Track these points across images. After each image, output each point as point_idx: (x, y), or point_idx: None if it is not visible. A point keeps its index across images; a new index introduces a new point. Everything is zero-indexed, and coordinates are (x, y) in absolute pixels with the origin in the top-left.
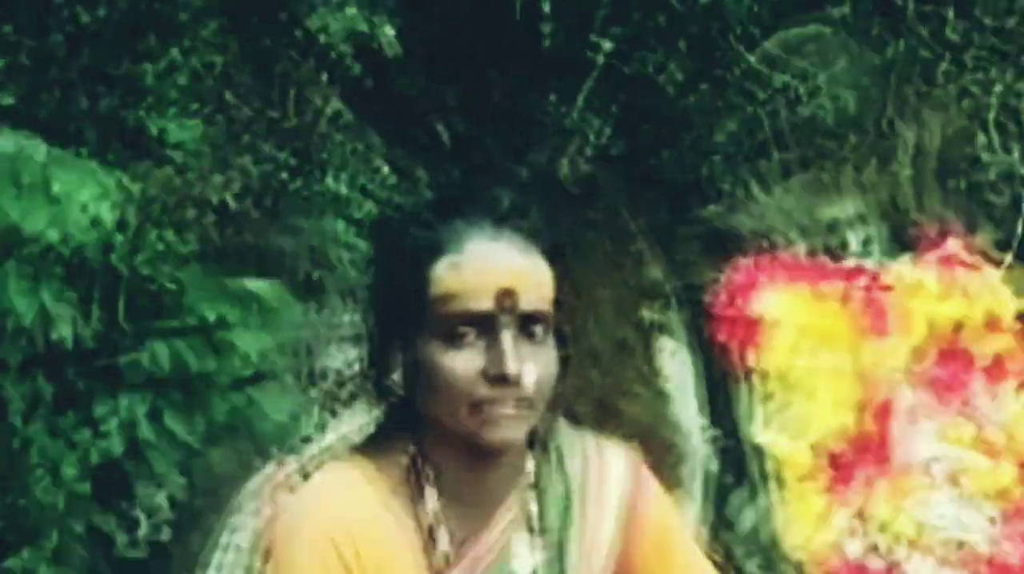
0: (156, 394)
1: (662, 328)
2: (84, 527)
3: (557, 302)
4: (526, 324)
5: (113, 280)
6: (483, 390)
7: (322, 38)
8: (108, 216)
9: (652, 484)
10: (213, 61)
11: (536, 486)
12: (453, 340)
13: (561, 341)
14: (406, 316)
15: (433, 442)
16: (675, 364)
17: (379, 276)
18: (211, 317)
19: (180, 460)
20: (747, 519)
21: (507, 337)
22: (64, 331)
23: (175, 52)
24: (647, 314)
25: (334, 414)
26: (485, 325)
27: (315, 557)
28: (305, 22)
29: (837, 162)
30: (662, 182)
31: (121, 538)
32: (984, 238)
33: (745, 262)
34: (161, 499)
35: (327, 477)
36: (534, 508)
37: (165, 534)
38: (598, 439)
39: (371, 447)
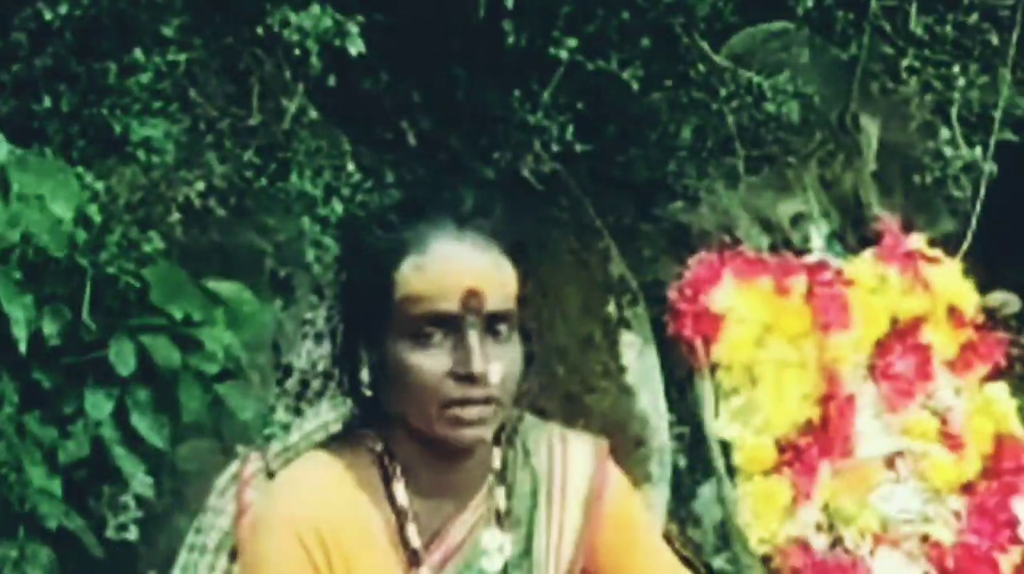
0: (122, 393)
1: (628, 324)
2: (51, 527)
3: (522, 300)
4: (491, 323)
5: (78, 279)
6: (450, 390)
7: (286, 35)
8: (71, 214)
9: (618, 476)
10: (177, 59)
11: (504, 480)
12: (420, 340)
13: (526, 338)
14: (372, 316)
15: (400, 439)
16: (641, 360)
17: (346, 276)
18: (177, 315)
19: (147, 459)
20: (715, 514)
21: (473, 337)
22: (21, 333)
23: (138, 51)
24: (613, 310)
25: (299, 412)
26: (451, 325)
27: (283, 553)
28: (269, 19)
29: (801, 158)
30: (627, 180)
31: (88, 538)
32: (947, 231)
33: (708, 257)
34: (128, 498)
35: (294, 473)
36: (502, 502)
37: (132, 533)
38: (563, 432)
39: (339, 444)
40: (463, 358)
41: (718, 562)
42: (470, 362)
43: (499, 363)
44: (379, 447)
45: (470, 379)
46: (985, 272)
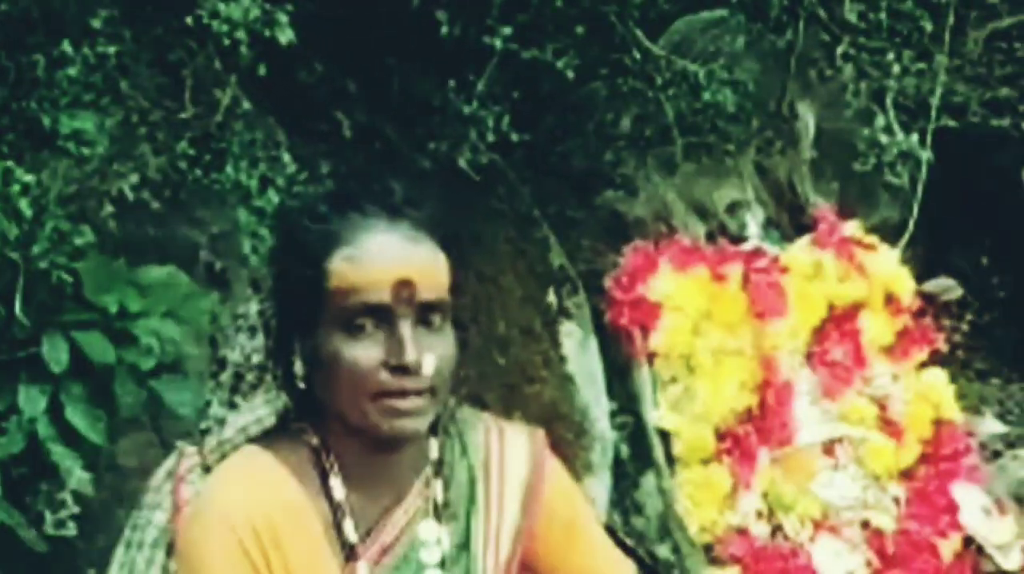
0: (56, 389)
1: (568, 314)
2: None
3: (455, 290)
4: (424, 313)
5: (9, 274)
6: (384, 380)
7: (215, 26)
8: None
9: (555, 467)
10: (106, 52)
11: (441, 472)
12: (352, 331)
13: (459, 327)
14: (305, 308)
15: (335, 432)
16: (581, 349)
17: (279, 268)
18: (112, 308)
19: (84, 455)
20: (658, 503)
21: (406, 327)
22: None
23: (66, 43)
24: (553, 300)
25: (234, 406)
26: (383, 316)
27: (220, 548)
28: (198, 10)
29: (739, 146)
30: (565, 169)
31: (28, 534)
32: (889, 219)
33: (644, 246)
34: (66, 495)
35: (230, 469)
36: (439, 494)
37: (71, 530)
38: (500, 423)
39: (274, 438)
40: (396, 349)
41: (662, 551)
42: (403, 353)
43: (432, 353)
44: (315, 441)
45: (403, 370)
46: (927, 259)
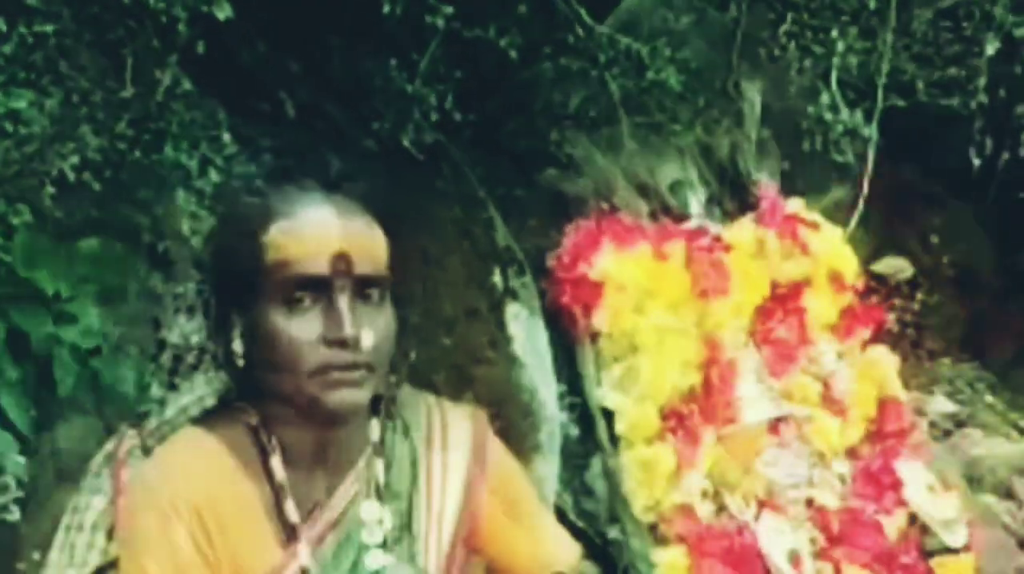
0: None
1: (514, 294)
2: None
3: (394, 267)
4: (361, 288)
5: None
6: (322, 354)
7: (152, 3)
8: None
9: (498, 447)
10: (44, 30)
11: (382, 453)
12: (290, 306)
13: (400, 306)
14: (243, 284)
15: (276, 411)
16: (528, 330)
17: (215, 244)
18: (49, 289)
19: (23, 438)
20: (605, 484)
21: (343, 301)
22: None
23: (1, 21)
24: (499, 281)
25: (174, 387)
26: (321, 289)
27: (161, 530)
28: None
29: (685, 125)
30: (510, 149)
31: None
32: (838, 198)
33: (586, 225)
34: (8, 479)
35: (170, 450)
36: (381, 475)
37: (14, 514)
38: (442, 403)
39: (214, 419)
40: (334, 322)
41: (612, 532)
42: (341, 326)
43: (371, 328)
44: (255, 420)
45: (341, 343)
46: (878, 238)
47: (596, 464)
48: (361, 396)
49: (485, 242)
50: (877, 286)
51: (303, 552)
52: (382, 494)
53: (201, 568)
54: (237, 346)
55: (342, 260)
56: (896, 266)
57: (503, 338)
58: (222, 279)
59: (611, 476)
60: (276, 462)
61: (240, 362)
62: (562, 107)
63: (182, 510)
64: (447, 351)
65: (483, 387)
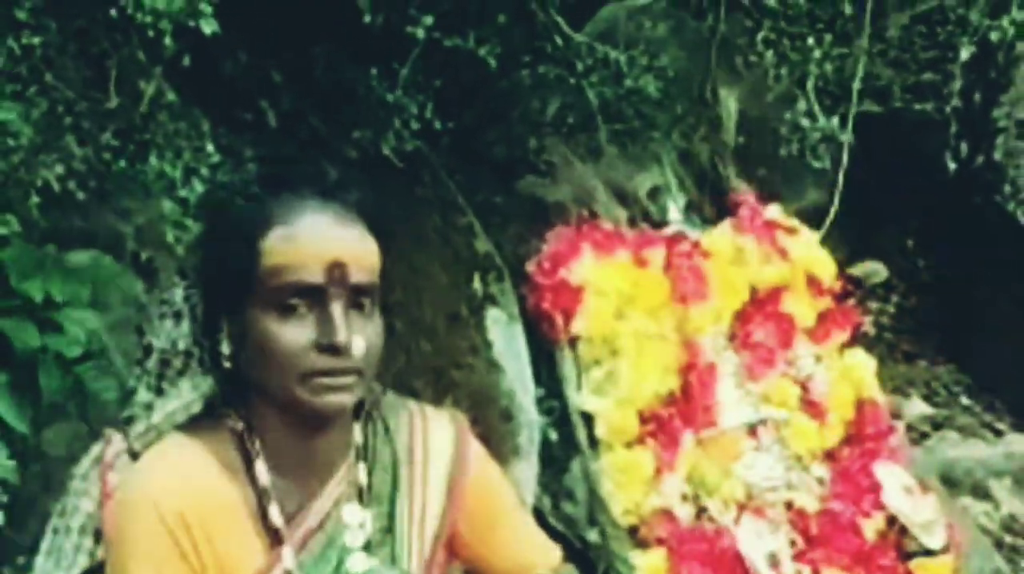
0: None
1: (494, 300)
2: None
3: (383, 275)
4: (355, 296)
5: None
6: (314, 360)
7: (139, 18)
8: None
9: (479, 451)
10: (31, 43)
11: (365, 457)
12: (283, 312)
13: (385, 313)
14: (235, 289)
15: (261, 415)
16: (507, 335)
17: (208, 250)
18: (37, 297)
19: (10, 443)
20: (585, 488)
21: (337, 308)
22: None
23: None
24: (478, 286)
25: (160, 392)
26: (315, 297)
27: (147, 535)
28: (121, 1)
29: (663, 132)
30: (490, 157)
31: None
32: (814, 202)
33: (566, 231)
34: None
35: (156, 456)
36: (363, 479)
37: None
38: (423, 407)
39: (199, 424)
40: (327, 329)
41: (592, 536)
42: (334, 333)
43: (362, 336)
44: (239, 426)
45: (333, 350)
46: (854, 242)
47: (575, 467)
48: (347, 396)
49: (465, 248)
50: (853, 290)
51: (287, 555)
52: (364, 497)
53: (185, 570)
54: (225, 347)
55: (338, 269)
56: (871, 270)
57: (483, 343)
58: (213, 282)
59: (591, 479)
60: (260, 467)
61: (227, 364)
62: (540, 115)
63: (167, 516)
64: (427, 356)
65: (463, 391)
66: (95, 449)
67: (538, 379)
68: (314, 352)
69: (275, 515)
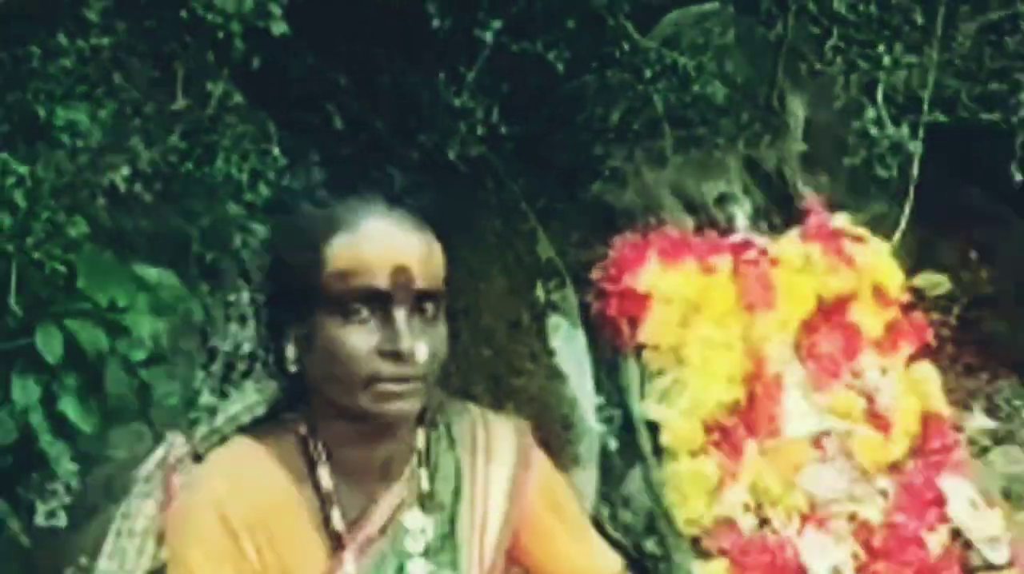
0: (49, 379)
1: (555, 307)
2: None
3: (447, 281)
4: (419, 302)
5: (3, 264)
6: (377, 366)
7: (209, 18)
8: None
9: (541, 458)
10: (100, 43)
11: (427, 462)
12: (348, 317)
13: (450, 318)
14: (301, 292)
15: (325, 420)
16: (568, 342)
17: (274, 254)
18: (104, 300)
19: (75, 445)
20: (646, 497)
21: (401, 314)
22: None
23: (61, 35)
24: (540, 293)
25: (224, 395)
26: (380, 302)
27: (209, 537)
28: (192, 2)
29: (729, 139)
30: (553, 162)
31: (14, 524)
32: (879, 212)
33: (633, 238)
34: (57, 485)
35: (220, 459)
36: (425, 484)
37: (62, 520)
38: (486, 414)
39: (263, 428)
40: (391, 335)
41: (649, 545)
42: (397, 339)
43: (426, 342)
44: (303, 430)
45: (397, 356)
46: (916, 253)
47: (634, 476)
48: (411, 403)
49: (527, 254)
50: (915, 301)
51: (348, 560)
52: (426, 504)
53: (247, 572)
54: (290, 352)
55: (403, 274)
56: (933, 281)
57: (544, 350)
58: (279, 287)
59: (653, 489)
60: (323, 471)
61: (293, 368)
62: (605, 120)
63: (230, 518)
64: (487, 362)
65: (523, 399)
66: (158, 452)
67: (599, 387)
68: (377, 358)
69: (337, 519)
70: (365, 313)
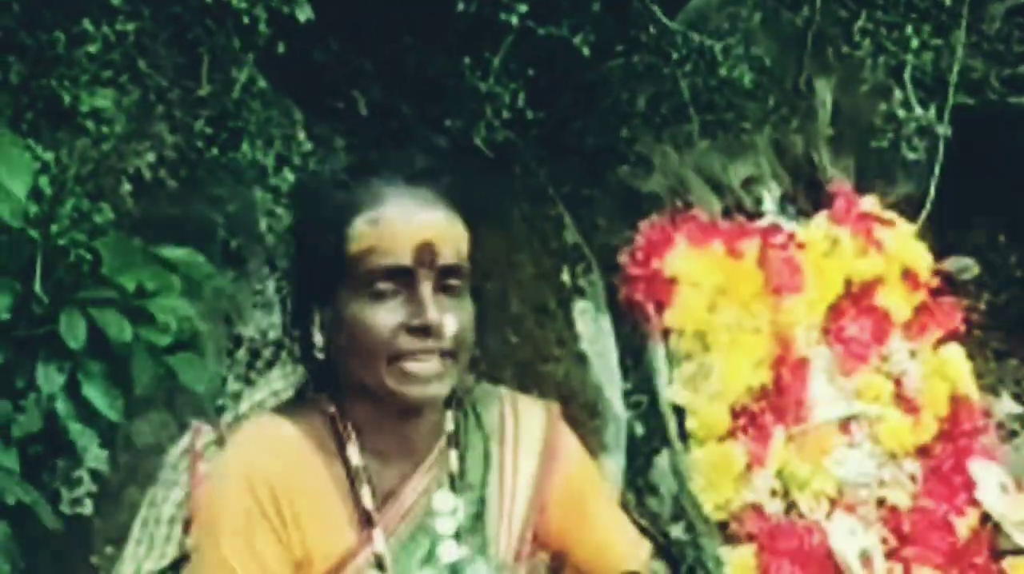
0: (74, 366)
1: (582, 292)
2: (10, 502)
3: (472, 259)
4: (444, 277)
5: (28, 250)
6: (404, 342)
7: (233, 3)
8: (22, 186)
9: (570, 439)
10: (125, 29)
11: (456, 443)
12: (373, 295)
13: (476, 296)
14: (325, 275)
15: (354, 401)
16: (595, 328)
17: (298, 237)
18: (130, 286)
19: (100, 432)
20: (672, 483)
21: (427, 289)
22: None
23: (86, 21)
24: (567, 278)
25: (250, 382)
26: (404, 279)
27: (237, 506)
28: None
29: (756, 123)
30: (579, 146)
31: (45, 511)
32: (905, 195)
33: (660, 222)
34: (82, 472)
35: (249, 431)
36: (455, 465)
37: (87, 507)
38: (515, 396)
39: (291, 407)
40: (416, 310)
41: (675, 531)
42: (424, 313)
43: (453, 315)
44: (332, 409)
45: (424, 331)
46: (945, 237)
47: (660, 463)
48: (440, 386)
49: (554, 240)
50: (943, 285)
51: (377, 538)
52: (456, 484)
53: (275, 549)
54: (317, 338)
55: (426, 250)
56: (962, 265)
57: (570, 336)
58: (304, 271)
59: (680, 474)
60: (353, 449)
61: (320, 355)
62: (631, 104)
63: (259, 489)
64: (514, 348)
65: (550, 384)
66: (185, 439)
67: (625, 373)
68: (404, 334)
69: (366, 497)
70: (390, 291)
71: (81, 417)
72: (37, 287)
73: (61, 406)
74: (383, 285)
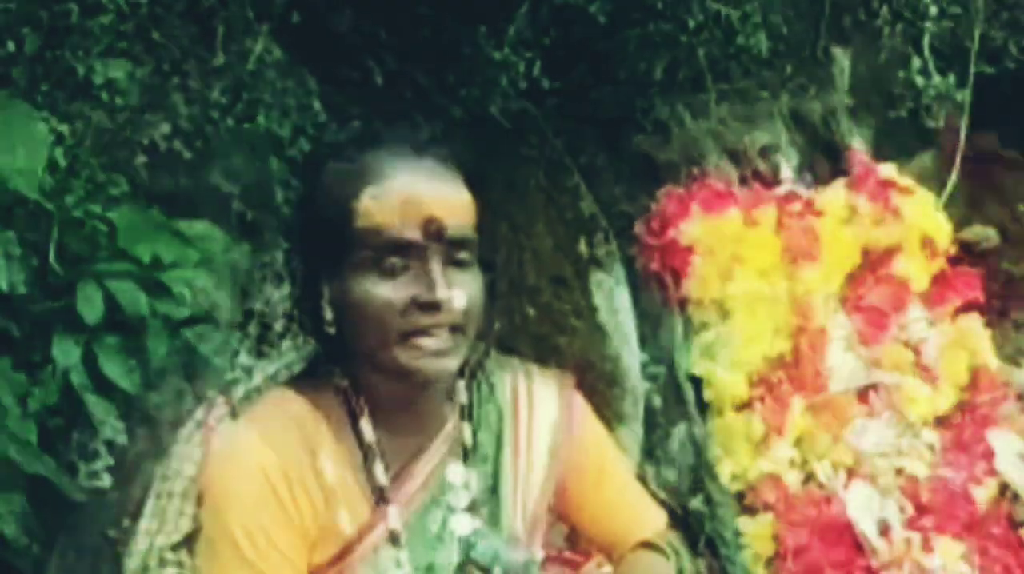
0: (90, 339)
1: (599, 263)
2: (29, 472)
3: (481, 230)
4: (452, 250)
5: (44, 223)
6: (414, 318)
7: None
8: (37, 158)
9: (584, 410)
10: (139, 0)
11: (470, 416)
12: (381, 271)
13: (487, 267)
14: (333, 249)
15: (366, 375)
16: (612, 299)
17: (305, 211)
18: (145, 258)
19: (117, 405)
20: (690, 455)
21: (435, 264)
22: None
23: None
24: (584, 249)
25: (262, 355)
26: (412, 253)
27: (248, 486)
28: None
29: (773, 91)
30: (596, 116)
31: (64, 481)
32: (921, 163)
33: (676, 190)
34: (99, 445)
35: (260, 410)
36: (468, 438)
37: (104, 481)
38: (528, 367)
39: (303, 381)
40: (426, 285)
41: (694, 503)
42: (433, 289)
43: (462, 290)
44: (344, 383)
45: (433, 306)
46: (964, 207)
47: (678, 434)
48: (450, 361)
49: (570, 210)
50: (962, 255)
51: (392, 514)
52: (469, 457)
53: (287, 525)
54: (327, 313)
55: (433, 225)
56: (982, 234)
57: (587, 307)
58: (312, 246)
59: (698, 445)
60: (365, 424)
61: (331, 329)
62: (647, 73)
63: (269, 468)
64: (531, 320)
65: (566, 356)
66: (198, 412)
67: (643, 344)
68: (413, 310)
69: (380, 473)
70: (398, 266)
71: (98, 389)
72: (53, 259)
73: (77, 378)
74: (392, 260)
